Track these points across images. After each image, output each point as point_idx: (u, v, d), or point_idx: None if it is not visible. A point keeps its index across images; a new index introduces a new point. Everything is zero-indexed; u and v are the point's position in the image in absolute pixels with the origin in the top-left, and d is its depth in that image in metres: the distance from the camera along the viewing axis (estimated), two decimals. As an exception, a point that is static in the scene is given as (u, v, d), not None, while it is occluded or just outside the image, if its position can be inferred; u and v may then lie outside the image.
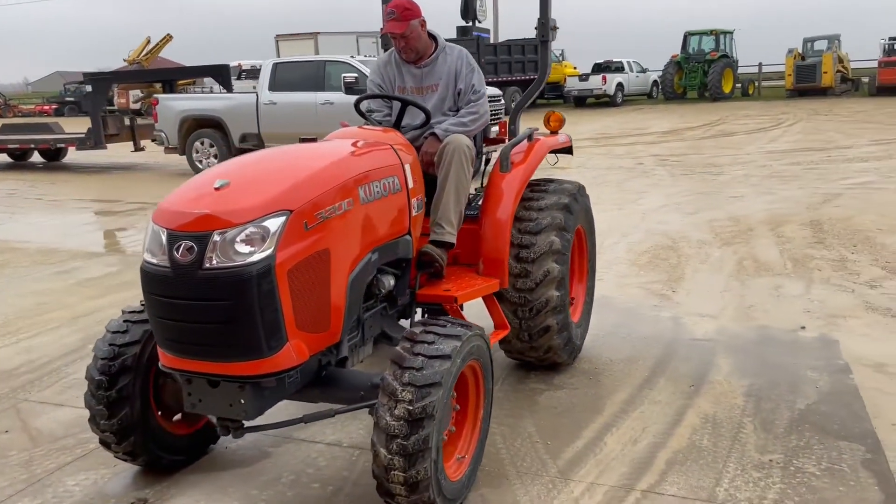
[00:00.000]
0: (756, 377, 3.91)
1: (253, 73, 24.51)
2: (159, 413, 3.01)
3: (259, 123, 12.85)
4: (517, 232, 3.69)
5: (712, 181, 10.73)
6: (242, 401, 2.52)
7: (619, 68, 29.14)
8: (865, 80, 27.19)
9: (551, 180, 4.03)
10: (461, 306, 3.54)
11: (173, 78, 15.84)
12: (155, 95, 14.34)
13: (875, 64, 26.41)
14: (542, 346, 3.80)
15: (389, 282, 3.13)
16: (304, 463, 3.16)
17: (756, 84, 29.96)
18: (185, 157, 13.62)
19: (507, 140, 4.27)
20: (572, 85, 28.17)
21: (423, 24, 3.79)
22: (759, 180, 10.63)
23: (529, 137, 3.94)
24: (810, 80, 25.97)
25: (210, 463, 3.19)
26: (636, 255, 6.63)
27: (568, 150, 4.43)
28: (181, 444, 3.10)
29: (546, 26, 4.24)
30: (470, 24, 28.53)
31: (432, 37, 3.88)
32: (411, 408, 2.42)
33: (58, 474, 3.12)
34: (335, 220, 2.64)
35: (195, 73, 17.67)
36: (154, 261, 2.47)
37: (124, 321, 2.97)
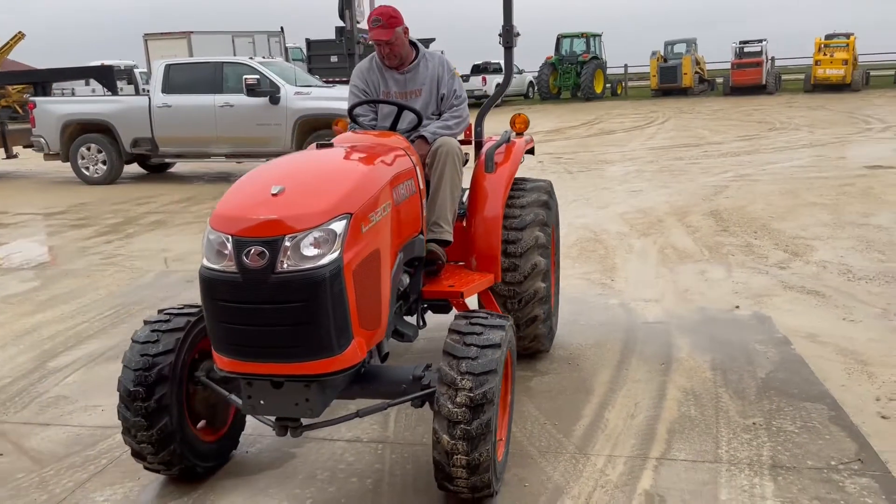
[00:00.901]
0: (714, 353, 4.33)
1: (120, 75, 23.34)
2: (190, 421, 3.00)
3: (153, 127, 12.37)
4: (504, 229, 3.91)
5: (609, 177, 11.40)
6: (308, 399, 2.60)
7: (497, 69, 29.96)
8: (720, 80, 29.45)
9: (525, 179, 4.28)
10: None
11: (50, 80, 14.87)
12: (31, 99, 13.44)
13: (728, 66, 28.70)
14: (529, 335, 4.04)
15: (405, 280, 3.28)
16: (332, 460, 3.24)
17: (623, 84, 31.74)
18: (68, 163, 12.89)
19: (472, 142, 4.48)
20: (452, 86, 28.70)
21: (406, 31, 3.94)
22: (652, 175, 11.40)
23: (507, 140, 4.18)
24: (672, 80, 27.86)
25: (238, 468, 3.20)
26: (566, 248, 7.01)
27: (531, 151, 4.69)
28: (211, 450, 3.10)
29: (510, 33, 4.47)
30: (347, 24, 28.55)
31: (412, 43, 4.03)
32: (472, 395, 2.58)
33: (80, 492, 3.04)
34: (382, 221, 2.77)
35: (75, 75, 16.66)
36: (218, 267, 2.50)
37: (152, 331, 2.94)
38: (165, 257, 7.29)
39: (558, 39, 30.05)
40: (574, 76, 29.18)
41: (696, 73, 28.51)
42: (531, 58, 30.69)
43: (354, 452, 3.30)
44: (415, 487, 3.01)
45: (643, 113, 22.80)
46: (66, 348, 4.79)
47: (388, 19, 3.81)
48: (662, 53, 28.68)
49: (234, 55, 22.08)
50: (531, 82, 32.36)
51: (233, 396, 2.88)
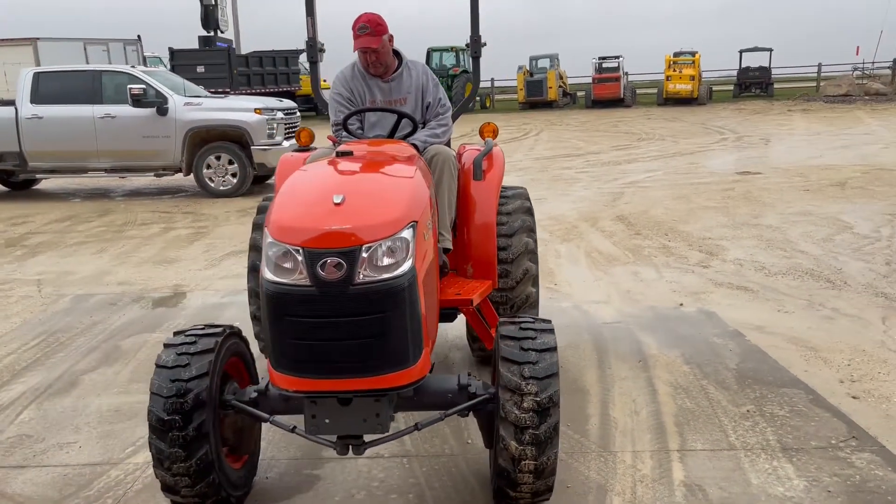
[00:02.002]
0: (681, 348, 4.57)
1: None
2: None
3: (21, 141, 11.38)
4: None
5: (509, 186, 11.69)
6: (378, 414, 2.51)
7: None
8: (581, 94, 30.97)
9: (504, 187, 4.33)
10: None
11: None
12: None
13: (589, 80, 30.24)
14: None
15: None
16: (363, 478, 3.13)
17: (491, 97, 32.60)
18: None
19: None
20: (327, 97, 28.41)
21: (391, 38, 3.90)
22: (548, 184, 11.80)
23: (491, 148, 4.21)
24: (538, 94, 28.98)
25: (266, 495, 3.03)
26: (497, 255, 7.14)
27: None
28: (239, 478, 2.91)
29: (478, 43, 4.57)
30: (212, 33, 27.53)
31: (395, 51, 3.99)
32: (538, 399, 2.59)
33: (97, 536, 2.76)
34: (431, 229, 2.72)
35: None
36: (287, 280, 2.36)
37: (179, 355, 2.72)
38: (73, 280, 6.73)
39: (428, 53, 30.41)
40: (446, 89, 29.70)
41: (560, 86, 29.83)
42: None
43: (381, 469, 3.20)
44: (462, 499, 2.97)
45: (516, 125, 23.53)
46: (2, 383, 4.32)
47: (376, 27, 3.76)
48: (528, 68, 29.76)
49: (88, 63, 20.75)
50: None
51: (276, 419, 2.72)
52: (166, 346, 2.80)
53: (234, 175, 11.44)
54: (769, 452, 3.25)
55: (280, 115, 11.76)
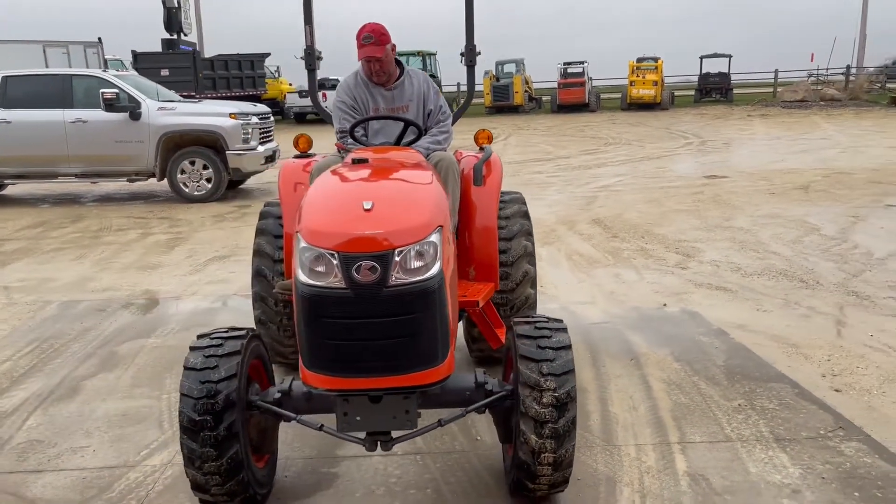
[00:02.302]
0: (669, 346, 4.75)
1: None
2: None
3: (-11, 145, 11.20)
4: None
5: (484, 190, 11.84)
6: (407, 411, 2.61)
7: (335, 86, 29.94)
8: (546, 98, 31.34)
9: (502, 192, 4.46)
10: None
11: None
12: None
13: (554, 85, 30.63)
14: (519, 339, 4.21)
15: None
16: (379, 475, 3.23)
17: (458, 102, 32.78)
18: None
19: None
20: (293, 101, 28.33)
21: (394, 47, 4.01)
22: (521, 188, 11.87)
23: (490, 155, 4.34)
24: (505, 98, 29.27)
25: (287, 493, 3.11)
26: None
27: None
28: (263, 476, 2.98)
29: (473, 52, 4.69)
30: (175, 36, 27.26)
31: (396, 60, 4.10)
32: (557, 394, 2.72)
33: (125, 536, 2.81)
34: (452, 232, 2.84)
35: None
36: (322, 283, 2.45)
37: (207, 357, 2.79)
38: (53, 286, 6.69)
39: (394, 57, 30.56)
40: (411, 94, 29.84)
41: (526, 91, 30.15)
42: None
43: (396, 466, 3.30)
44: (478, 493, 3.09)
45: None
46: (2, 390, 4.32)
47: (380, 36, 3.87)
48: (494, 73, 30.03)
49: (47, 66, 20.41)
50: (368, 99, 32.62)
51: (303, 418, 2.81)
52: (192, 349, 2.86)
53: (208, 180, 11.40)
54: (764, 443, 3.43)
55: (255, 119, 11.77)
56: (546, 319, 3.00)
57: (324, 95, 28.84)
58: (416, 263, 2.50)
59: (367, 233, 2.47)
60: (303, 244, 2.53)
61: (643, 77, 28.36)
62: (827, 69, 34.05)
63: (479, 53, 4.77)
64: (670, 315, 5.44)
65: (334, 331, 2.47)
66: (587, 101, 29.06)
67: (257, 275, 4.12)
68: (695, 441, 3.47)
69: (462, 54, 4.74)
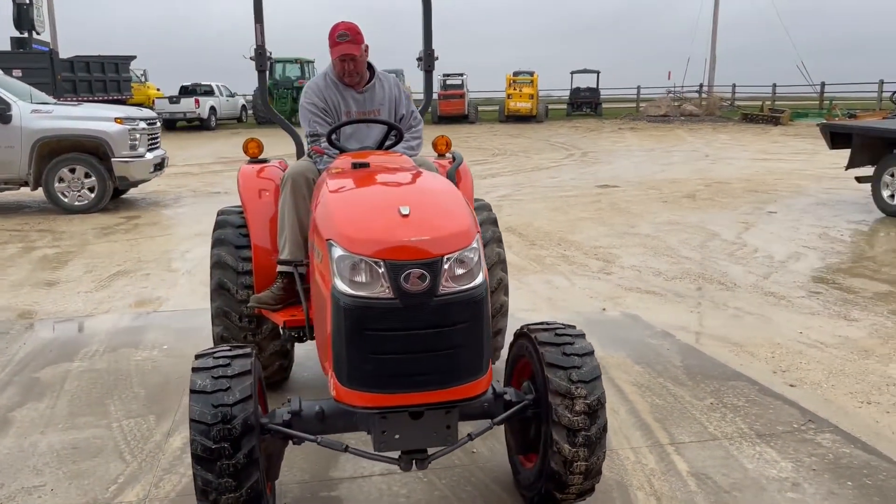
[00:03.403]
0: (624, 350, 4.84)
1: None
2: None
3: None
4: None
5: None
6: (448, 426, 2.48)
7: (208, 91, 28.77)
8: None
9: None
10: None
11: None
12: None
13: (436, 96, 30.88)
14: (494, 346, 4.16)
15: None
16: (386, 495, 3.06)
17: (335, 111, 32.44)
18: None
19: None
20: (162, 107, 26.93)
21: (367, 48, 3.86)
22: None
23: (461, 162, 4.27)
24: (385, 107, 29.16)
25: (292, 522, 2.88)
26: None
27: None
28: (272, 502, 2.75)
29: (431, 57, 4.61)
30: (27, 35, 25.25)
31: (367, 63, 3.95)
32: (588, 401, 2.68)
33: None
34: None
35: None
36: (367, 294, 2.28)
37: (216, 378, 2.54)
38: (-57, 307, 5.95)
39: (271, 64, 29.76)
40: (290, 101, 29.15)
41: (406, 101, 30.22)
42: (242, 81, 30.03)
43: (401, 484, 3.15)
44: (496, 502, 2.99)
45: (368, 139, 23.56)
46: (-88, 426, 3.77)
47: (355, 35, 3.73)
48: (374, 82, 29.90)
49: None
50: (244, 105, 31.62)
51: (329, 439, 2.61)
52: (196, 370, 2.60)
53: (91, 189, 10.62)
54: (748, 439, 3.55)
55: (143, 124, 11.07)
56: (563, 326, 2.97)
57: (196, 102, 27.72)
58: (462, 271, 2.39)
59: (414, 239, 2.34)
60: (340, 252, 2.35)
61: (520, 90, 29.18)
62: (682, 87, 36.45)
63: (438, 58, 4.70)
64: (613, 319, 5.56)
65: (380, 344, 2.30)
66: (466, 112, 29.54)
67: (219, 288, 3.82)
68: (685, 441, 3.54)
69: (419, 59, 4.65)
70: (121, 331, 5.33)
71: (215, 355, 2.65)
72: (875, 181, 9.93)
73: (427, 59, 4.59)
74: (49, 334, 5.25)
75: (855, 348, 4.84)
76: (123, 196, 11.86)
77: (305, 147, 3.88)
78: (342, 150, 3.62)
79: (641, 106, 34.16)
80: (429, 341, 2.32)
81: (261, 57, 4.39)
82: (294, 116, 30.15)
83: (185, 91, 28.64)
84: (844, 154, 11.50)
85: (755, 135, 24.21)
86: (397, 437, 2.46)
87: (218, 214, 4.13)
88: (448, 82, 29.98)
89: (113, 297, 6.26)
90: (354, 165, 3.04)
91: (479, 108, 32.06)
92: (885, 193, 9.76)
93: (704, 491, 3.10)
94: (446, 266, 2.34)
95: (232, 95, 30.57)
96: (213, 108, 28.35)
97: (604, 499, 3.03)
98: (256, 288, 3.72)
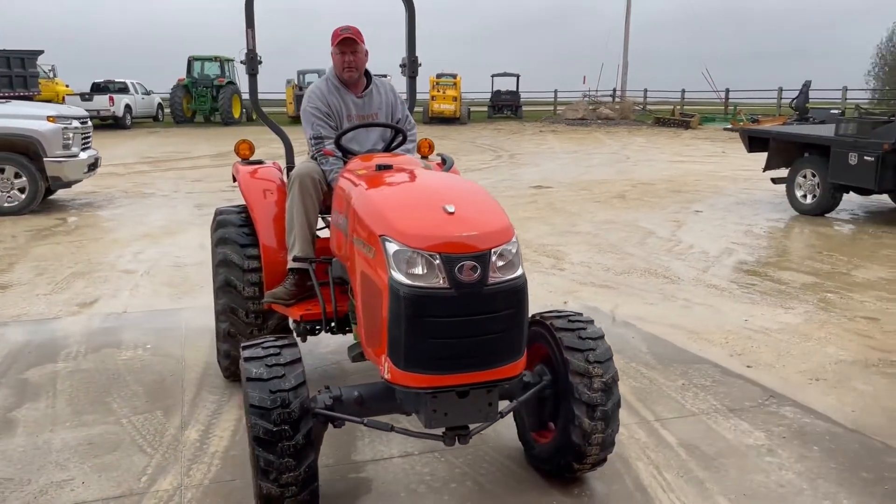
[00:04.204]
0: (594, 339, 5.19)
1: None
2: None
3: None
4: None
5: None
6: (491, 403, 2.73)
7: (123, 89, 27.85)
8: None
9: None
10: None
11: None
12: None
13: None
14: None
15: None
16: (411, 475, 3.27)
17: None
18: None
19: None
20: (73, 105, 25.90)
21: (367, 53, 4.07)
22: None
23: (453, 164, 4.51)
24: (309, 108, 28.98)
25: (330, 502, 3.05)
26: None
27: None
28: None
29: (415, 64, 4.84)
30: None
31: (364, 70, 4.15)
32: (605, 379, 2.99)
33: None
34: None
35: None
36: (426, 284, 2.51)
37: (270, 366, 2.70)
38: None
39: (190, 62, 29.09)
40: (210, 100, 28.59)
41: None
42: (157, 78, 29.18)
43: (423, 464, 3.37)
44: (515, 479, 3.25)
45: (302, 139, 23.43)
46: None
47: (356, 33, 3.93)
48: (297, 82, 29.68)
49: None
50: (160, 104, 30.75)
51: (376, 420, 2.81)
52: (248, 359, 2.76)
53: (21, 190, 10.28)
54: (722, 414, 3.95)
55: (76, 123, 10.80)
56: (573, 313, 3.26)
57: (110, 100, 26.83)
58: (506, 262, 2.64)
59: (465, 234, 2.58)
60: (397, 246, 2.56)
61: (443, 92, 29.56)
62: (597, 91, 37.75)
63: (420, 65, 4.92)
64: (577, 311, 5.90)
65: (436, 330, 2.53)
66: (390, 113, 29.66)
67: (226, 286, 3.94)
68: (668, 418, 3.90)
69: (402, 66, 4.86)
70: (96, 332, 5.31)
71: (263, 346, 2.82)
72: (789, 182, 10.74)
73: (411, 66, 4.81)
74: (21, 337, 5.18)
75: (796, 333, 5.36)
76: (51, 197, 11.51)
77: (309, 149, 4.04)
78: (349, 153, 3.81)
79: (559, 109, 35.17)
80: (478, 327, 2.57)
81: (252, 61, 4.51)
82: (213, 115, 29.64)
83: (98, 88, 27.64)
84: (754, 157, 12.34)
85: (668, 138, 25.41)
86: (446, 414, 2.69)
87: (217, 214, 4.23)
88: (372, 84, 30.01)
89: (74, 298, 6.19)
90: (379, 167, 3.24)
91: (403, 110, 32.22)
92: (799, 194, 10.57)
93: (695, 459, 3.46)
94: (493, 259, 2.59)
95: (148, 93, 29.72)
96: (128, 107, 27.48)
97: (610, 470, 3.33)
98: (266, 285, 3.85)
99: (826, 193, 10.11)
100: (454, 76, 30.67)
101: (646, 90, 38.27)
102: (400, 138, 3.96)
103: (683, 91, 37.19)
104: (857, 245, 8.52)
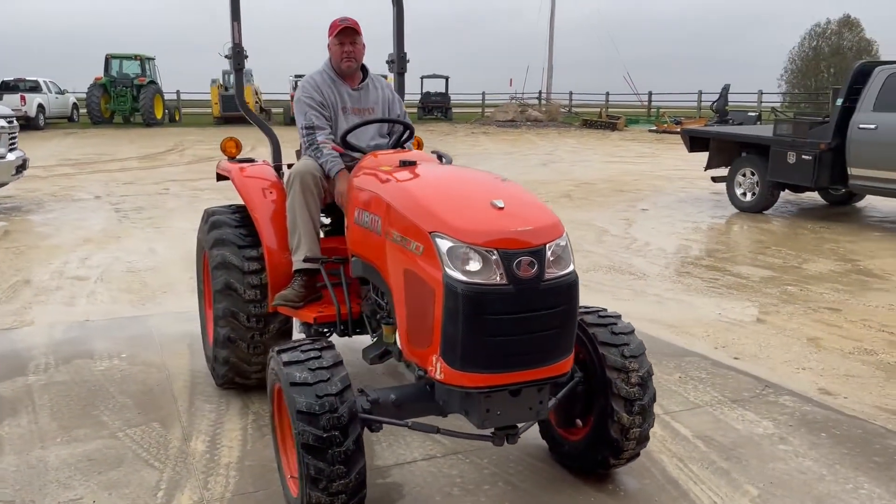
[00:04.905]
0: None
1: None
2: None
3: None
4: None
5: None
6: (541, 402, 2.68)
7: (34, 87, 26.46)
8: (277, 111, 30.92)
9: None
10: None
11: None
12: None
13: (287, 97, 30.36)
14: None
15: None
16: (441, 478, 3.19)
17: (179, 111, 30.98)
18: None
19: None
20: (-17, 105, 24.50)
21: (364, 47, 3.97)
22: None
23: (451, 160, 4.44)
24: (236, 108, 28.23)
25: (366, 509, 2.94)
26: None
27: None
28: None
29: (403, 60, 4.77)
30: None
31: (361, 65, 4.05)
32: (641, 373, 2.99)
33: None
34: None
35: None
36: (483, 280, 2.43)
37: (313, 370, 2.58)
38: None
39: (107, 60, 27.91)
40: (130, 100, 27.50)
41: (256, 102, 29.47)
42: (70, 77, 27.90)
43: (449, 466, 3.29)
44: (543, 476, 3.22)
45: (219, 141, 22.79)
46: None
47: (356, 25, 3.85)
48: (222, 82, 28.89)
49: None
50: (75, 104, 29.38)
51: (420, 422, 2.72)
52: (288, 363, 2.63)
53: (-56, 194, 9.63)
54: (726, 405, 4.02)
55: (2, 122, 10.19)
56: (603, 309, 3.26)
57: (22, 99, 25.50)
58: (559, 257, 2.60)
59: (520, 229, 2.52)
60: (451, 243, 2.48)
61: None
62: (523, 94, 38.26)
63: (409, 61, 4.84)
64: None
65: (493, 327, 2.46)
66: (321, 115, 29.23)
67: (226, 289, 3.76)
68: (677, 410, 3.95)
69: (390, 62, 4.78)
70: (62, 342, 5.00)
71: (301, 349, 2.69)
72: (729, 181, 11.12)
73: (399, 62, 4.73)
74: (-21, 349, 4.83)
75: (769, 324, 5.53)
76: (-27, 200, 10.84)
77: (301, 140, 3.89)
78: (356, 150, 3.70)
79: (488, 111, 35.47)
80: (534, 323, 2.52)
81: (238, 55, 4.35)
82: (133, 116, 28.55)
83: (6, 87, 26.19)
84: (686, 157, 12.71)
85: (597, 139, 25.98)
86: (499, 413, 2.63)
87: (210, 215, 4.05)
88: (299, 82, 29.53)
89: (28, 308, 5.82)
90: (402, 163, 3.15)
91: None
92: (738, 191, 10.96)
93: (714, 450, 3.50)
94: (548, 254, 2.55)
95: (62, 92, 28.34)
96: (41, 106, 26.13)
97: (636, 465, 3.34)
98: (271, 287, 3.70)
99: (765, 191, 10.52)
100: (385, 77, 30.41)
101: (571, 93, 39.09)
102: (407, 133, 3.87)
103: (608, 94, 38.13)
104: (800, 240, 8.88)
